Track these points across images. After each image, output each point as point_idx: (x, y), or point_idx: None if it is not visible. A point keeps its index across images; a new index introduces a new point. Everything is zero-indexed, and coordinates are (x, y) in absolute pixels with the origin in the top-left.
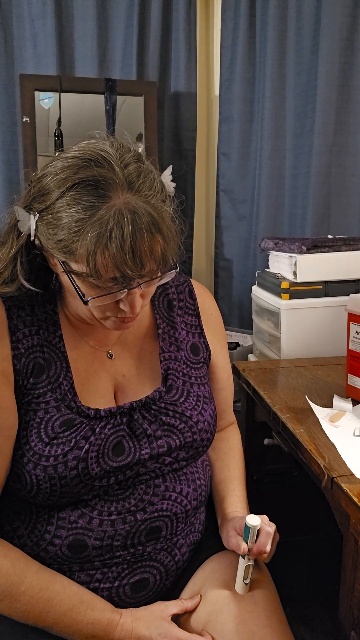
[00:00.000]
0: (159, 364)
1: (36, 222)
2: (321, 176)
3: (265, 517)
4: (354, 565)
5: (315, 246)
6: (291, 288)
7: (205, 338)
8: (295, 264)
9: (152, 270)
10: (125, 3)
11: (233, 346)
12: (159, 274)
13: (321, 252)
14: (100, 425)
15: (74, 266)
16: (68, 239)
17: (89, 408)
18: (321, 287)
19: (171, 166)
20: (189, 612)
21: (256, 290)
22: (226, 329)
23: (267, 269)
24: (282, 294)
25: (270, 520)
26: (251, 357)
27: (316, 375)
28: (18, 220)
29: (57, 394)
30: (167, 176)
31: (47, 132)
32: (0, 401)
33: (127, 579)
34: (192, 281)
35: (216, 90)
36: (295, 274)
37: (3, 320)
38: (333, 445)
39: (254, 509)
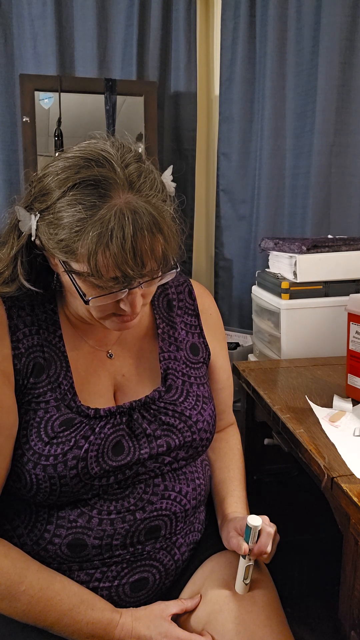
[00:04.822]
0: (159, 364)
1: (37, 222)
2: (321, 176)
3: (266, 518)
4: (354, 565)
5: (315, 246)
6: (291, 288)
7: (205, 338)
8: (295, 264)
9: (152, 269)
10: (125, 3)
11: (233, 346)
12: (160, 273)
13: (321, 252)
14: (99, 425)
15: (75, 266)
16: (69, 239)
17: (88, 408)
18: (321, 287)
19: (172, 166)
20: (189, 612)
21: (256, 290)
22: (226, 329)
23: (267, 269)
24: (282, 294)
25: (270, 520)
26: (251, 357)
27: (316, 375)
28: (19, 221)
29: (57, 394)
30: (167, 176)
31: (47, 132)
32: (0, 400)
33: (127, 578)
34: (192, 281)
35: (216, 90)
36: (295, 274)
37: (3, 320)
38: (333, 445)
39: (254, 509)
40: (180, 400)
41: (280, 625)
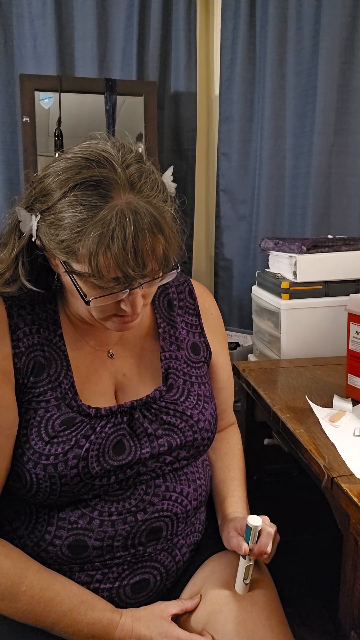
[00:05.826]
0: (160, 363)
1: (38, 222)
2: (321, 176)
3: (266, 518)
4: (354, 565)
5: (315, 246)
6: (291, 288)
7: (206, 337)
8: (295, 264)
9: (153, 270)
10: (125, 3)
11: (233, 346)
12: (161, 274)
13: (321, 252)
14: (100, 424)
15: (76, 266)
16: (70, 239)
17: (89, 407)
18: (321, 287)
19: (172, 167)
20: (189, 612)
21: (256, 290)
22: (226, 329)
23: (267, 269)
24: (282, 294)
25: (271, 520)
26: (251, 357)
27: (316, 375)
28: (19, 221)
29: (57, 393)
30: (168, 177)
31: (47, 132)
32: (0, 400)
33: (128, 580)
34: (192, 281)
35: (216, 90)
36: (295, 274)
37: (4, 318)
38: (333, 445)
39: (254, 509)
40: (181, 399)
41: (280, 625)
